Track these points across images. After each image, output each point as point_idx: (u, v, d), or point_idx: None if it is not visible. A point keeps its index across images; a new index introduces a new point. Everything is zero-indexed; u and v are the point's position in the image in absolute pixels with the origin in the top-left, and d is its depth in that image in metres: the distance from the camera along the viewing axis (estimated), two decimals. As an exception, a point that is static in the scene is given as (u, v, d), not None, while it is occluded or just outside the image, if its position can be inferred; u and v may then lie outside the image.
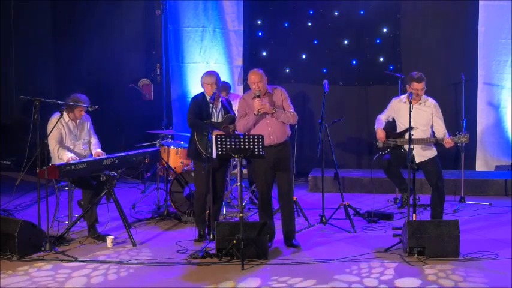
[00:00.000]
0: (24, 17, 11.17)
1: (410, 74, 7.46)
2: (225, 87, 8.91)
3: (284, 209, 6.99)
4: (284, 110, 6.85)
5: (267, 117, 6.79)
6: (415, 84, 7.36)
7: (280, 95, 6.90)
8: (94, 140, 7.61)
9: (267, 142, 6.65)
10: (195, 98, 7.25)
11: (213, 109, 7.14)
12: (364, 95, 10.55)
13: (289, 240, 6.94)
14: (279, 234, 7.07)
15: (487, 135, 10.31)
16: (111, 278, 6.05)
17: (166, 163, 8.27)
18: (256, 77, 6.80)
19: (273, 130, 6.79)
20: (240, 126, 6.87)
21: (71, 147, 7.37)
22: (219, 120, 7.20)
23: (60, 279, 6.00)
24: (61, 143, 7.29)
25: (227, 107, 7.33)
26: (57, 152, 7.23)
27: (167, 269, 6.25)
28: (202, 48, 10.73)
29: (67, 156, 7.15)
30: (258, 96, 6.74)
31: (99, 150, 7.46)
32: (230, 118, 7.24)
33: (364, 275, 6.03)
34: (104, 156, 7.29)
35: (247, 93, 7.02)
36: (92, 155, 7.44)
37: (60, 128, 7.25)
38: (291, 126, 7.10)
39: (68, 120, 7.36)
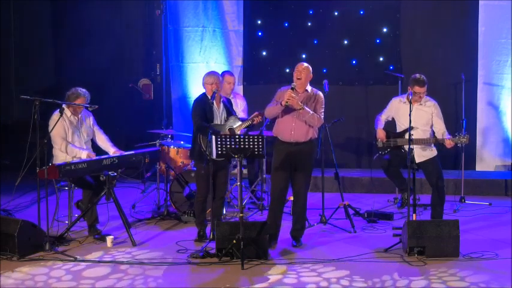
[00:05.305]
0: (24, 17, 11.18)
1: (413, 76, 7.45)
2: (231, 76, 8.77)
3: (294, 209, 7.02)
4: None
5: (295, 112, 6.79)
6: (417, 88, 7.38)
7: (315, 97, 6.91)
8: (104, 137, 7.58)
9: (286, 137, 6.81)
10: (197, 100, 7.19)
11: (216, 110, 7.14)
12: (364, 95, 10.54)
13: (295, 239, 6.97)
14: (284, 233, 7.07)
15: (487, 135, 10.31)
16: (111, 277, 6.05)
17: (166, 163, 8.26)
18: (302, 66, 6.92)
19: (296, 126, 6.80)
20: (267, 111, 6.93)
21: (76, 144, 7.35)
22: (222, 121, 7.20)
23: (60, 279, 6.00)
24: (67, 140, 7.27)
25: (229, 108, 7.31)
26: (66, 148, 7.22)
27: (167, 269, 6.25)
28: (202, 48, 10.72)
29: (84, 153, 7.17)
30: (293, 89, 6.76)
31: (115, 149, 7.47)
32: (233, 119, 7.23)
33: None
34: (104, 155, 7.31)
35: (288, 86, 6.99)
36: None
37: (63, 123, 7.24)
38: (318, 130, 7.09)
39: (70, 115, 7.36)
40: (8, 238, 6.51)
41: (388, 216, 8.01)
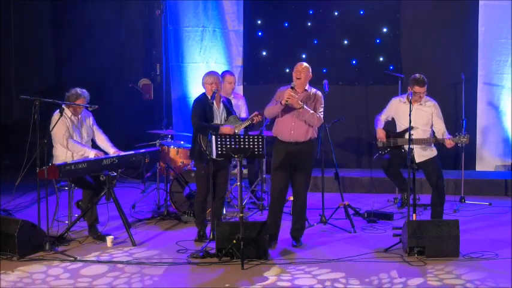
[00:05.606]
0: (24, 17, 11.18)
1: (413, 76, 7.46)
2: (231, 76, 8.72)
3: (294, 209, 7.02)
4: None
5: (294, 112, 6.79)
6: (417, 88, 7.38)
7: (315, 97, 6.91)
8: (104, 137, 7.58)
9: (286, 137, 6.80)
10: (197, 100, 7.19)
11: (216, 110, 7.14)
12: (364, 95, 10.55)
13: (295, 239, 6.97)
14: (284, 233, 7.06)
15: (487, 135, 10.31)
16: (110, 277, 6.05)
17: (166, 163, 8.26)
18: (302, 66, 6.92)
19: (296, 125, 6.80)
20: (266, 111, 6.91)
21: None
22: (222, 121, 7.19)
23: (58, 278, 6.01)
24: (71, 137, 7.27)
25: (229, 108, 7.32)
26: (67, 144, 7.20)
27: (167, 269, 6.25)
28: (202, 48, 10.72)
29: (92, 153, 7.17)
30: (292, 88, 6.76)
31: (115, 149, 7.46)
32: (233, 119, 7.23)
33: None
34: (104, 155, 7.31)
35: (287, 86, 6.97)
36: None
37: (65, 121, 7.23)
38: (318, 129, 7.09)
39: (70, 116, 7.35)
40: (8, 238, 6.51)
41: (388, 216, 8.01)
